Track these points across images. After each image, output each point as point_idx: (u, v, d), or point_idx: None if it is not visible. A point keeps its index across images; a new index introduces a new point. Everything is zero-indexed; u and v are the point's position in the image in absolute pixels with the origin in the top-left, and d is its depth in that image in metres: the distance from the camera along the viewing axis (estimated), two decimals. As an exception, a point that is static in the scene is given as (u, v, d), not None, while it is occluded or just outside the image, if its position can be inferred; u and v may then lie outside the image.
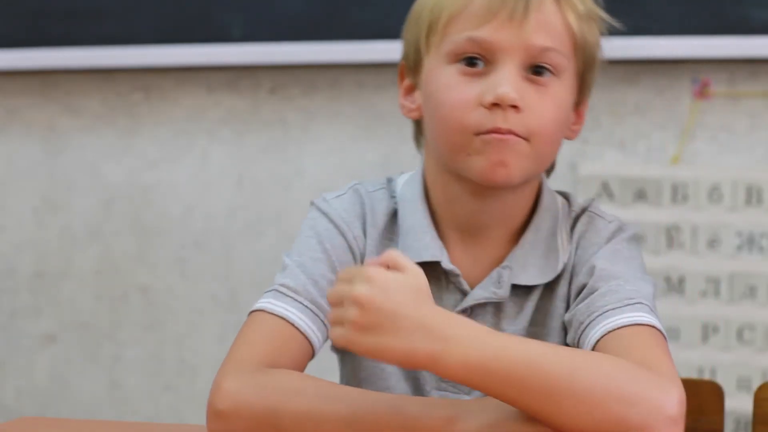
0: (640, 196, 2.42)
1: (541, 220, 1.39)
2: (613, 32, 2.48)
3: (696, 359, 2.37)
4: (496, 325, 1.38)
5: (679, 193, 2.40)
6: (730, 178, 2.38)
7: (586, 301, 1.32)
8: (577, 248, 1.39)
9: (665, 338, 1.29)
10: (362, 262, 1.39)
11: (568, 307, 1.37)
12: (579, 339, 1.31)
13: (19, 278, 2.77)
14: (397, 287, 1.16)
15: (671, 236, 2.40)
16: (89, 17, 2.63)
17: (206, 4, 2.58)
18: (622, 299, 1.30)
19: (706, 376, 2.35)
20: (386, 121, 2.54)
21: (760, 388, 1.55)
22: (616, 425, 1.14)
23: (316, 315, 1.33)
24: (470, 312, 1.37)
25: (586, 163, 2.45)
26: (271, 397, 1.21)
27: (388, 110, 2.54)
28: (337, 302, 1.18)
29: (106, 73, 2.69)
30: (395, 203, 1.42)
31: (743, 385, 2.36)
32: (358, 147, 2.57)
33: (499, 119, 1.30)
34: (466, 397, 1.36)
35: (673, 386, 1.17)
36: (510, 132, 1.30)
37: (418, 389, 1.39)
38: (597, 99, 2.45)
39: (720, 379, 2.33)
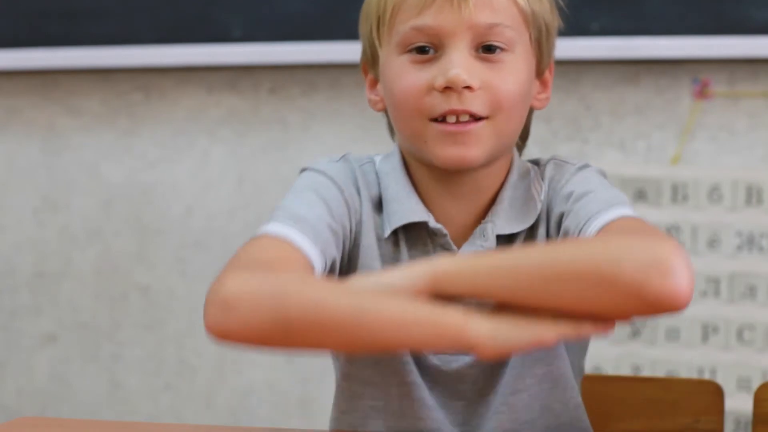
0: (640, 196, 2.42)
1: (515, 180, 1.41)
2: (613, 32, 2.48)
3: (696, 359, 2.37)
4: None
5: (679, 193, 2.40)
6: (730, 178, 2.38)
7: (571, 216, 1.33)
8: (549, 191, 1.41)
9: (643, 220, 1.29)
10: (359, 224, 1.39)
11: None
12: None
13: (19, 278, 2.77)
14: None
15: (671, 236, 2.40)
16: (89, 17, 2.63)
17: (206, 4, 2.58)
18: (604, 201, 1.31)
19: (706, 376, 2.35)
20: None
21: (760, 388, 1.55)
22: (614, 285, 1.14)
23: (315, 244, 1.30)
24: None
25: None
26: (277, 288, 1.18)
27: (388, 110, 2.54)
28: None
29: (106, 73, 2.69)
30: (378, 183, 1.43)
31: (743, 385, 2.36)
32: (358, 147, 2.57)
33: (453, 101, 1.32)
34: (465, 357, 1.36)
35: (669, 241, 1.16)
36: (466, 112, 1.32)
37: (415, 353, 1.38)
38: (597, 99, 2.46)
39: (720, 379, 2.33)
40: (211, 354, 2.66)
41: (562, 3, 1.43)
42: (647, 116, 2.45)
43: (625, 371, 2.40)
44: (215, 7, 2.57)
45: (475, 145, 1.33)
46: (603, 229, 1.27)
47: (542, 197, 1.40)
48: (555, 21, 1.41)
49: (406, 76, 1.35)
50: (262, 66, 2.59)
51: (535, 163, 1.46)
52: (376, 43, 1.39)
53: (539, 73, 1.41)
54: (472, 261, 1.20)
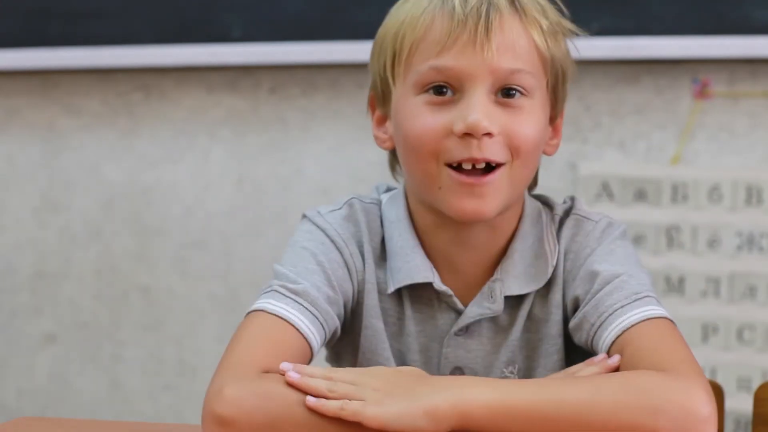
0: (640, 196, 2.42)
1: (527, 229, 1.38)
2: (613, 32, 2.48)
3: (696, 359, 2.36)
4: (492, 339, 1.37)
5: (679, 193, 2.40)
6: (730, 178, 2.38)
7: (593, 302, 1.31)
8: (567, 252, 1.37)
9: (675, 325, 1.29)
10: (362, 284, 1.37)
11: (564, 314, 1.37)
12: (592, 340, 1.31)
13: (19, 278, 2.77)
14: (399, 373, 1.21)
15: (671, 236, 2.40)
16: (89, 17, 2.63)
17: (206, 4, 2.58)
18: (629, 295, 1.30)
19: (706, 376, 2.35)
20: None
21: (760, 388, 1.55)
22: None
23: (315, 317, 1.31)
24: (466, 330, 1.37)
25: (586, 163, 2.45)
26: (272, 407, 1.18)
27: (388, 110, 2.54)
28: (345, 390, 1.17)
29: (106, 73, 2.69)
30: (383, 227, 1.39)
31: (743, 385, 2.36)
32: (358, 147, 2.57)
33: (473, 148, 1.27)
34: None
35: (698, 385, 1.18)
36: (486, 160, 1.28)
37: None
38: (597, 99, 2.46)
39: (720, 379, 2.33)
40: (211, 354, 2.66)
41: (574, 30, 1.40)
42: (647, 116, 2.45)
43: (625, 371, 2.40)
44: (215, 7, 2.57)
45: (491, 198, 1.29)
46: (627, 335, 1.26)
47: (555, 256, 1.37)
48: (571, 67, 1.38)
49: (422, 117, 1.30)
50: (262, 66, 2.59)
51: (547, 204, 1.42)
52: (390, 80, 1.34)
53: (552, 119, 1.39)
54: (504, 398, 1.16)
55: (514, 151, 1.30)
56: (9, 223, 2.77)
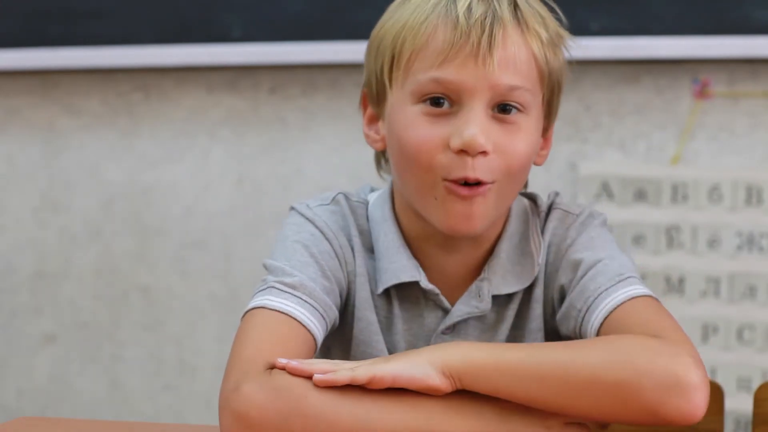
0: (640, 196, 2.41)
1: (513, 228, 1.38)
2: (613, 32, 2.48)
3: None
4: (479, 337, 1.37)
5: (679, 193, 2.40)
6: (730, 178, 2.38)
7: (578, 288, 1.32)
8: (550, 246, 1.38)
9: (660, 302, 1.30)
10: (353, 275, 1.37)
11: (546, 308, 1.38)
12: (580, 326, 1.32)
13: (19, 278, 2.77)
14: None
15: (671, 236, 2.40)
16: (89, 17, 2.62)
17: (206, 4, 2.58)
18: (612, 277, 1.30)
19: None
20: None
21: (760, 388, 1.55)
22: (633, 401, 1.16)
23: (315, 309, 1.31)
24: (453, 328, 1.37)
25: (586, 163, 2.45)
26: (282, 402, 1.18)
27: (388, 110, 2.54)
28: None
29: (106, 73, 2.69)
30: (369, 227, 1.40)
31: (743, 385, 2.36)
32: (357, 147, 2.57)
33: (468, 167, 1.27)
34: None
35: (686, 352, 1.18)
36: (478, 180, 1.28)
37: None
38: (597, 99, 2.46)
39: (720, 379, 2.33)
40: (211, 354, 2.66)
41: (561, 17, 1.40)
42: (647, 116, 2.45)
43: (625, 371, 2.40)
44: (215, 7, 2.57)
45: (480, 212, 1.29)
46: (614, 315, 1.27)
47: (542, 255, 1.37)
48: (564, 79, 1.38)
49: (419, 129, 1.29)
50: (262, 66, 2.59)
51: (532, 199, 1.42)
52: (387, 83, 1.33)
53: (544, 130, 1.39)
54: (494, 358, 1.18)
55: (505, 170, 1.30)
56: (9, 223, 2.77)
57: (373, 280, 1.38)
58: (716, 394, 1.58)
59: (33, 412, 2.73)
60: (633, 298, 1.28)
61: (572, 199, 2.42)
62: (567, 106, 2.49)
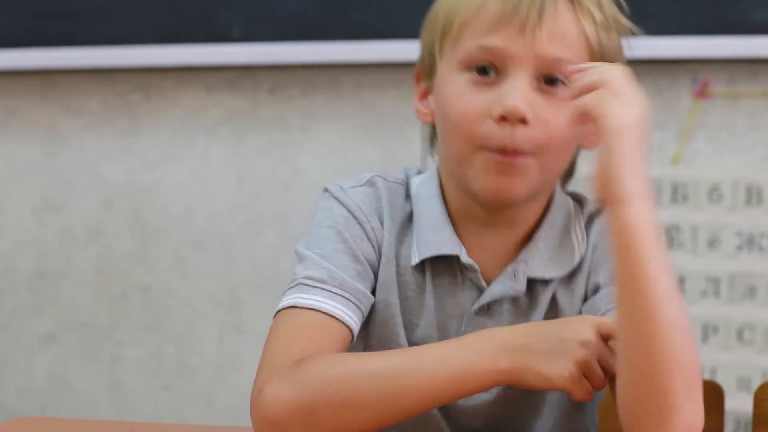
0: (640, 196, 2.41)
1: (554, 217, 1.38)
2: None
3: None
4: (511, 322, 1.37)
5: (679, 193, 2.40)
6: (730, 178, 2.38)
7: (606, 290, 1.32)
8: (596, 246, 1.38)
9: None
10: (380, 257, 1.37)
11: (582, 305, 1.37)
12: None
13: (19, 278, 2.77)
14: None
15: (671, 236, 2.40)
16: (89, 17, 2.63)
17: (206, 4, 2.58)
18: None
19: (706, 376, 2.35)
20: (386, 121, 2.54)
21: (760, 388, 1.55)
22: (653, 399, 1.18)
23: (348, 300, 1.30)
24: (486, 309, 1.37)
25: (586, 163, 2.45)
26: (307, 393, 1.20)
27: (388, 110, 2.54)
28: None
29: (106, 73, 2.69)
30: (410, 204, 1.39)
31: (743, 385, 2.36)
32: (357, 147, 2.57)
33: (507, 136, 1.27)
34: (483, 395, 1.35)
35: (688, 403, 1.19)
36: (516, 151, 1.28)
37: None
38: (597, 99, 2.46)
39: (720, 379, 2.33)
40: (211, 354, 2.66)
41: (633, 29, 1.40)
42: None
43: (625, 371, 2.40)
44: (215, 7, 2.57)
45: (520, 181, 1.29)
46: None
47: (583, 248, 1.37)
48: (620, 57, 1.38)
49: (464, 96, 1.30)
50: (262, 66, 2.59)
51: (578, 199, 1.42)
52: (437, 54, 1.34)
53: None
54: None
55: (545, 142, 1.30)
56: (9, 223, 2.77)
57: (403, 257, 1.37)
58: (716, 394, 1.58)
59: (33, 412, 2.73)
60: None
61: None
62: (567, 106, 2.50)
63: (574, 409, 1.38)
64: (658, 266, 1.19)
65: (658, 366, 1.16)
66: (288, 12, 2.53)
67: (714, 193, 2.39)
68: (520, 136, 1.28)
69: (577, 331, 1.22)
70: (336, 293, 1.30)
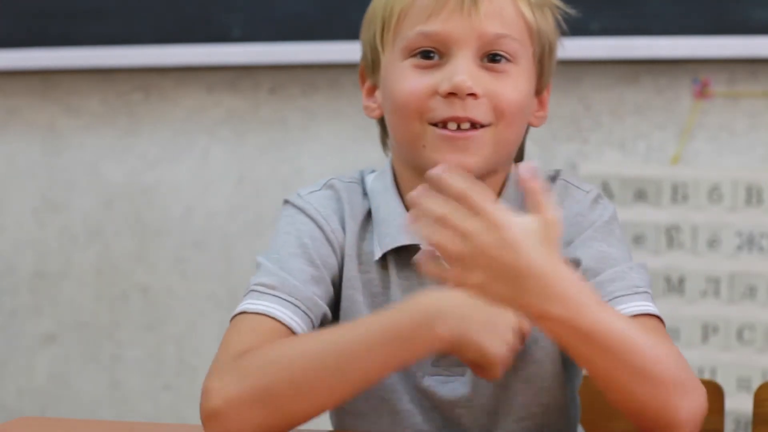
0: (640, 196, 2.41)
1: (510, 193, 1.38)
2: (613, 32, 2.49)
3: (696, 359, 2.37)
4: None
5: (679, 193, 2.40)
6: (730, 178, 2.38)
7: (594, 283, 1.32)
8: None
9: (664, 325, 1.31)
10: (342, 255, 1.38)
11: None
12: None
13: (19, 278, 2.77)
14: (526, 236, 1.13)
15: (671, 236, 2.40)
16: (89, 17, 2.63)
17: (206, 4, 2.58)
18: (630, 287, 1.31)
19: (706, 376, 2.35)
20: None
21: (760, 388, 1.56)
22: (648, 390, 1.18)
23: (298, 307, 1.32)
24: None
25: (586, 163, 2.45)
26: (255, 379, 1.22)
27: (388, 110, 2.54)
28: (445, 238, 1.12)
29: (106, 73, 2.69)
30: (368, 202, 1.41)
31: (743, 385, 2.36)
32: (357, 147, 2.57)
33: (458, 108, 1.30)
34: (461, 378, 1.35)
35: (687, 395, 1.21)
36: (469, 119, 1.30)
37: (408, 377, 1.37)
38: (597, 99, 2.46)
39: (720, 379, 2.33)
40: (211, 354, 2.64)
41: (563, 13, 1.41)
42: (647, 116, 2.45)
43: (625, 371, 2.40)
44: (215, 7, 2.57)
45: (474, 153, 1.31)
46: None
47: None
48: (557, 41, 1.40)
49: (408, 79, 1.33)
50: (262, 66, 2.59)
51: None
52: (379, 47, 1.37)
53: (538, 91, 1.40)
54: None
55: (498, 113, 1.32)
56: (9, 223, 2.77)
57: (365, 255, 1.38)
58: (716, 394, 1.58)
59: (33, 412, 2.73)
60: (641, 314, 1.28)
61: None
62: (567, 106, 2.50)
63: (553, 389, 1.38)
64: (604, 327, 1.16)
65: (627, 392, 1.18)
66: (288, 12, 2.53)
67: (714, 193, 2.39)
68: (471, 108, 1.30)
69: (508, 313, 1.22)
70: (285, 299, 1.31)
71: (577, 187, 1.39)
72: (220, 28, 2.57)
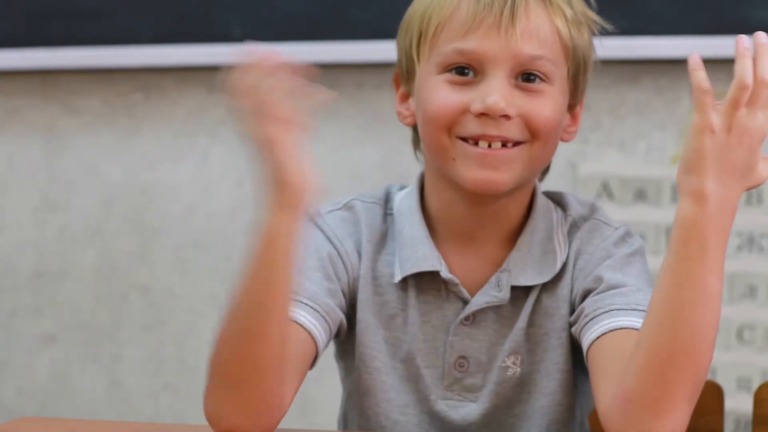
0: (640, 196, 2.41)
1: (537, 222, 1.39)
2: (612, 32, 2.48)
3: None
4: (497, 330, 1.37)
5: (679, 193, 2.40)
6: (730, 178, 2.38)
7: (596, 298, 1.32)
8: (580, 252, 1.38)
9: None
10: (357, 280, 1.39)
11: (571, 308, 1.37)
12: (581, 330, 1.32)
13: (19, 278, 2.77)
14: None
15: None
16: (89, 17, 2.63)
17: (206, 4, 2.58)
18: (629, 303, 1.31)
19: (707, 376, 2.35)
20: (386, 121, 2.54)
21: (760, 388, 1.55)
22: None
23: (317, 311, 1.32)
24: (472, 319, 1.37)
25: (586, 163, 2.45)
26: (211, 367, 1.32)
27: (388, 110, 2.52)
28: None
29: (106, 73, 2.69)
30: (387, 224, 1.41)
31: (743, 385, 2.36)
32: (358, 147, 2.57)
33: (490, 127, 1.30)
34: (473, 405, 1.36)
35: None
36: (501, 138, 1.30)
37: (421, 400, 1.38)
38: (597, 99, 2.46)
39: (720, 379, 2.32)
40: (211, 354, 2.66)
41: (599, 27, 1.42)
42: (647, 116, 2.45)
43: (625, 371, 2.40)
44: (215, 7, 2.57)
45: (506, 170, 1.31)
46: (612, 334, 1.27)
47: (564, 254, 1.38)
48: (592, 56, 1.42)
49: (442, 94, 1.33)
50: (263, 66, 2.59)
51: (560, 204, 1.42)
52: (415, 58, 1.37)
53: (571, 106, 1.40)
54: None
55: (533, 132, 1.32)
56: (9, 223, 2.77)
57: (383, 277, 1.39)
58: (716, 394, 1.58)
59: (33, 412, 2.73)
60: (635, 329, 1.27)
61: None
62: (567, 106, 2.50)
63: (563, 417, 1.38)
64: (710, 271, 1.18)
65: (676, 362, 1.16)
66: (288, 12, 2.53)
67: (714, 193, 2.39)
68: (504, 128, 1.30)
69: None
70: (307, 305, 1.32)
71: (607, 224, 1.40)
72: (220, 28, 2.57)
